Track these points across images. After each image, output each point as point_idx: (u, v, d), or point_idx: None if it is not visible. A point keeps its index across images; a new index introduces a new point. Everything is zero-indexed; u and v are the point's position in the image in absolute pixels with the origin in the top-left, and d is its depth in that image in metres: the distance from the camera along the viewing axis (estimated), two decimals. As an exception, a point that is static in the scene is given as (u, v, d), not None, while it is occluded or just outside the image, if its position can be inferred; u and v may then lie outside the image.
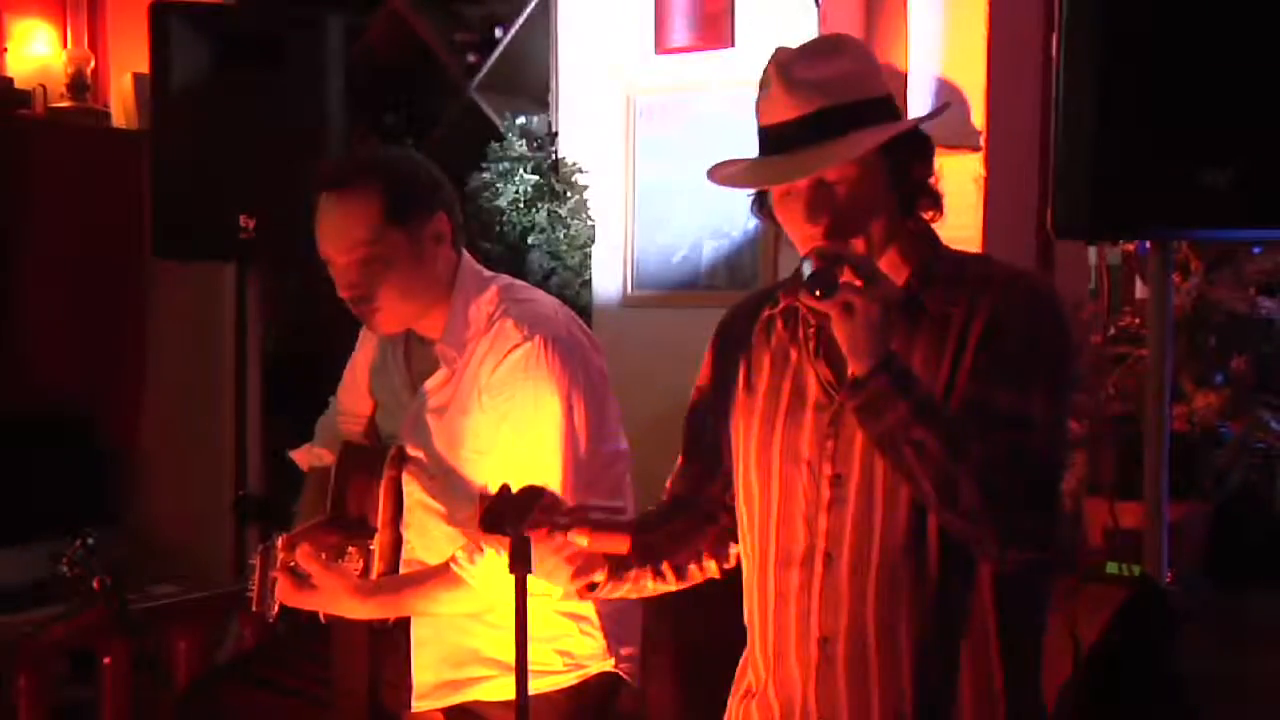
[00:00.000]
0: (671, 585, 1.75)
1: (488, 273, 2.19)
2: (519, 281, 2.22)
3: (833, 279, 1.45)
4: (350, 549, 2.11)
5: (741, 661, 1.74)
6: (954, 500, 1.48)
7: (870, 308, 1.45)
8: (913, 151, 1.61)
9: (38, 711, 2.61)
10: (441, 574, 2.07)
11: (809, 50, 1.62)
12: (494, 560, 2.01)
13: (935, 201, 1.64)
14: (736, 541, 1.75)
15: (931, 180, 1.64)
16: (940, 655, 1.57)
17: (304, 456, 2.38)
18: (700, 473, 1.79)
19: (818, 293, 1.46)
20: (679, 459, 1.83)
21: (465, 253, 2.18)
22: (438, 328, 2.13)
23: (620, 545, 1.62)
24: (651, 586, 1.73)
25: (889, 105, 1.61)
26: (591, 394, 2.07)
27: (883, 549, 1.56)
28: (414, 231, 2.07)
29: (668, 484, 1.84)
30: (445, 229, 2.12)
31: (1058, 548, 1.61)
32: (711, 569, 1.77)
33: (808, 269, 1.48)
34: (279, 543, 2.11)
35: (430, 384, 2.14)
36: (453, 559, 2.06)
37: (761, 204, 1.67)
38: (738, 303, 1.81)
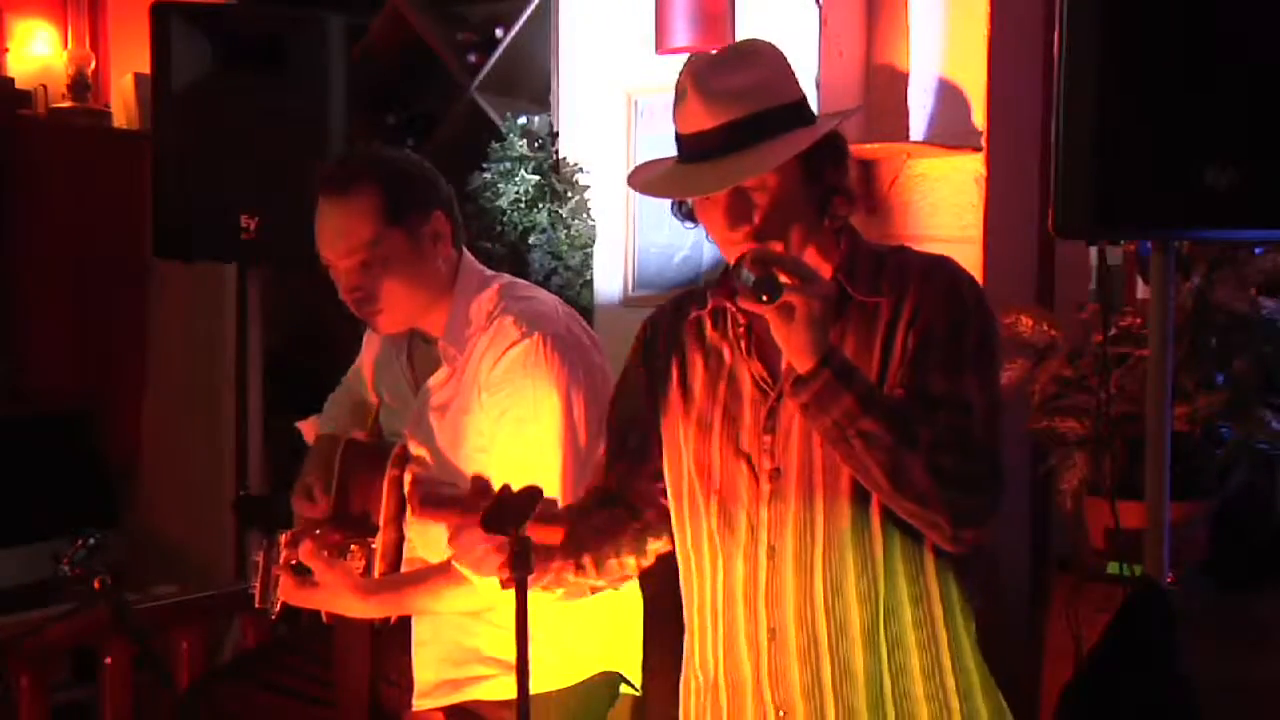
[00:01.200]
0: (590, 578, 1.76)
1: (489, 271, 2.20)
2: (520, 280, 2.23)
3: (775, 283, 1.48)
4: (353, 547, 2.11)
5: (686, 655, 1.76)
6: (906, 485, 1.52)
7: (810, 305, 1.48)
8: (827, 155, 1.64)
9: (38, 711, 2.61)
10: (444, 571, 2.06)
11: (722, 58, 1.65)
12: None
13: (851, 200, 1.68)
14: (657, 538, 1.79)
15: (848, 181, 1.68)
16: (888, 638, 1.61)
17: (311, 429, 2.38)
18: (626, 470, 1.80)
19: (764, 298, 1.48)
20: (602, 454, 1.86)
21: (466, 251, 2.18)
22: (439, 326, 2.13)
23: (554, 536, 1.63)
24: (571, 579, 1.73)
25: (802, 110, 1.65)
26: (591, 391, 2.07)
27: (826, 540, 1.61)
28: (413, 231, 2.08)
29: (592, 481, 1.86)
30: (444, 228, 2.12)
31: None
32: (630, 565, 1.79)
33: (743, 275, 1.50)
34: (282, 540, 2.11)
35: (432, 382, 2.15)
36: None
37: (682, 206, 1.71)
38: (661, 305, 1.85)
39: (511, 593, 1.56)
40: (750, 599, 1.64)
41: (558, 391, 2.04)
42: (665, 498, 1.76)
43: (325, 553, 2.08)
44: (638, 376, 1.80)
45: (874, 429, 1.50)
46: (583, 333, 2.17)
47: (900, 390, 1.58)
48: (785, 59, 1.69)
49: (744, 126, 1.59)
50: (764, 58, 1.66)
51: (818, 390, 1.50)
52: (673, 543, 1.77)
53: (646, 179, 1.70)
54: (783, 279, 1.48)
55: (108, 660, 2.70)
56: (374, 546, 2.12)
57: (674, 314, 1.80)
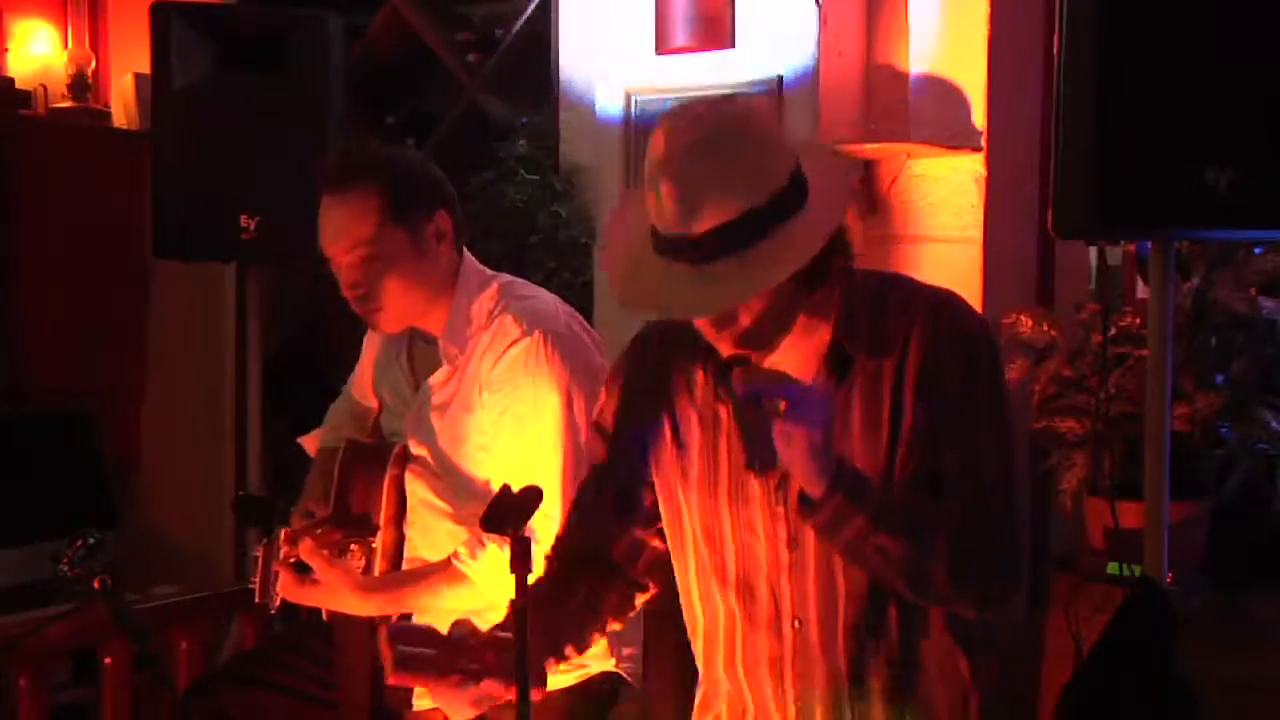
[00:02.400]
0: (572, 660, 1.66)
1: (489, 271, 2.20)
2: (520, 280, 2.23)
3: (764, 420, 1.39)
4: (353, 547, 2.12)
5: (702, 705, 1.71)
6: (927, 587, 1.50)
7: (811, 437, 1.41)
8: (826, 250, 1.46)
9: (38, 711, 2.61)
10: (444, 569, 2.07)
11: (699, 140, 1.41)
12: (496, 556, 2.02)
13: (849, 254, 1.55)
14: (644, 592, 1.72)
15: (846, 236, 1.54)
16: (912, 695, 1.59)
17: (313, 443, 2.39)
18: (606, 523, 1.70)
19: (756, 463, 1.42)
20: (570, 509, 1.74)
21: (466, 251, 2.18)
22: (440, 325, 2.14)
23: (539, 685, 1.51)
24: (549, 675, 1.59)
25: (796, 188, 1.45)
26: (592, 390, 2.06)
27: (848, 608, 1.57)
28: (415, 230, 2.08)
29: (557, 539, 1.73)
30: (446, 227, 2.12)
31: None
32: (616, 627, 1.73)
33: (739, 392, 1.42)
34: (281, 536, 2.11)
35: (433, 380, 2.15)
36: (455, 554, 2.07)
37: None
38: (638, 347, 1.72)
39: (511, 589, 1.56)
40: (776, 668, 1.60)
41: (558, 390, 2.04)
42: (656, 542, 1.70)
43: (325, 551, 2.08)
44: (616, 424, 1.69)
45: (888, 544, 1.46)
46: (584, 332, 2.17)
47: (913, 465, 1.52)
48: (769, 118, 1.54)
49: (732, 232, 1.40)
50: (747, 133, 1.44)
51: (829, 516, 1.46)
52: (659, 587, 1.72)
53: (626, 283, 1.50)
54: (780, 406, 1.39)
55: (108, 660, 2.71)
56: (374, 546, 2.13)
57: (658, 360, 1.67)
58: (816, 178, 1.48)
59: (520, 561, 1.56)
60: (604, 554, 1.71)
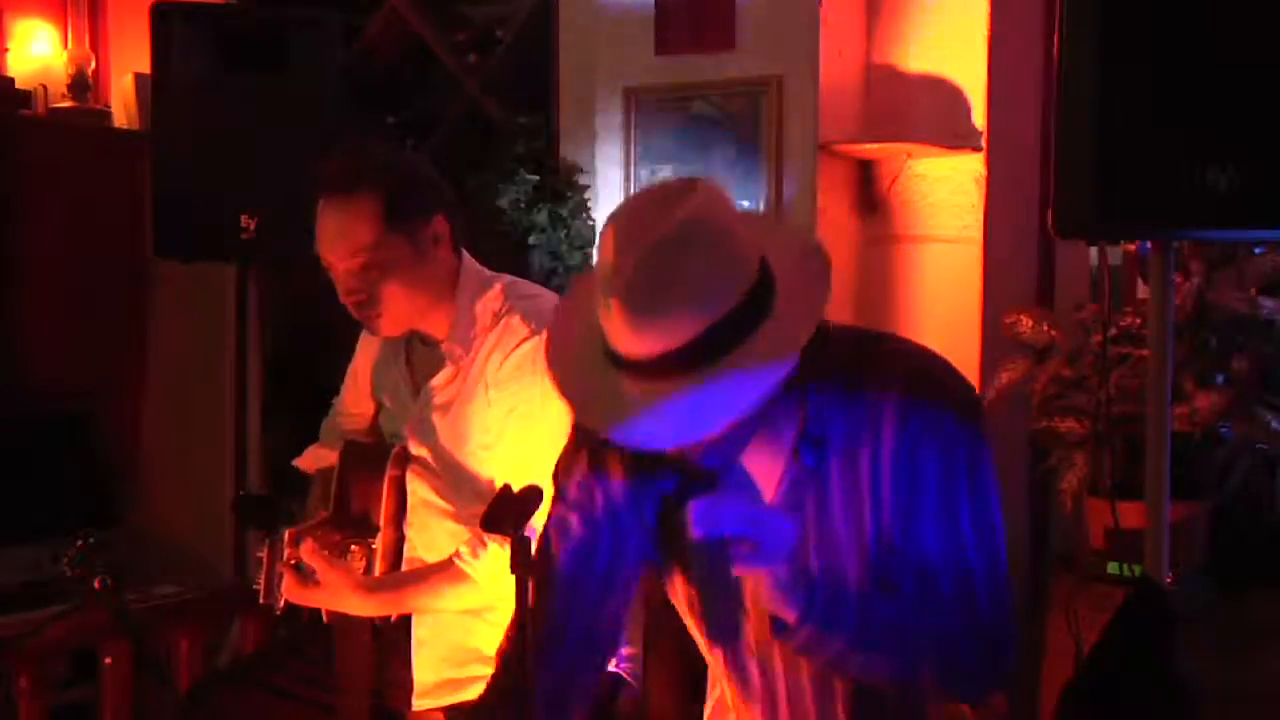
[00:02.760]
0: None
1: (489, 272, 2.20)
2: (522, 280, 2.23)
3: (717, 557, 1.27)
4: (353, 548, 2.12)
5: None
6: (913, 688, 1.46)
7: (775, 574, 1.31)
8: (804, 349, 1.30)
9: (37, 711, 2.62)
10: (445, 569, 2.07)
11: (653, 257, 1.27)
12: (498, 555, 2.02)
13: (825, 338, 1.36)
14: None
15: (825, 328, 1.37)
16: None
17: (309, 461, 2.38)
18: (576, 651, 1.54)
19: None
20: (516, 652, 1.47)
21: (465, 253, 2.18)
22: (440, 327, 2.13)
23: None
24: None
25: (763, 292, 1.30)
26: None
27: (844, 685, 1.49)
28: (414, 235, 2.08)
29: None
30: (444, 230, 2.12)
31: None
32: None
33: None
34: (285, 537, 2.11)
35: (435, 382, 2.15)
36: (457, 554, 2.06)
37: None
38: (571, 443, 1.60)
39: (512, 588, 1.56)
40: None
41: None
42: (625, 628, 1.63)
43: (326, 552, 2.08)
44: (587, 520, 1.55)
45: (870, 659, 1.40)
46: None
47: (899, 569, 1.42)
48: (728, 213, 1.34)
49: (689, 353, 1.26)
50: (703, 238, 1.28)
51: (803, 642, 1.37)
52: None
53: (578, 398, 1.39)
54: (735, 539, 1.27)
55: (108, 660, 2.71)
56: (374, 546, 2.13)
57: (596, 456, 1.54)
58: (785, 274, 1.34)
59: (520, 561, 1.55)
60: (579, 689, 1.59)
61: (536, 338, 2.05)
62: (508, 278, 2.21)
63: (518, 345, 2.07)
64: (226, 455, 3.49)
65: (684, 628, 1.72)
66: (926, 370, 1.46)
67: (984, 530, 1.43)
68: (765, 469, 1.46)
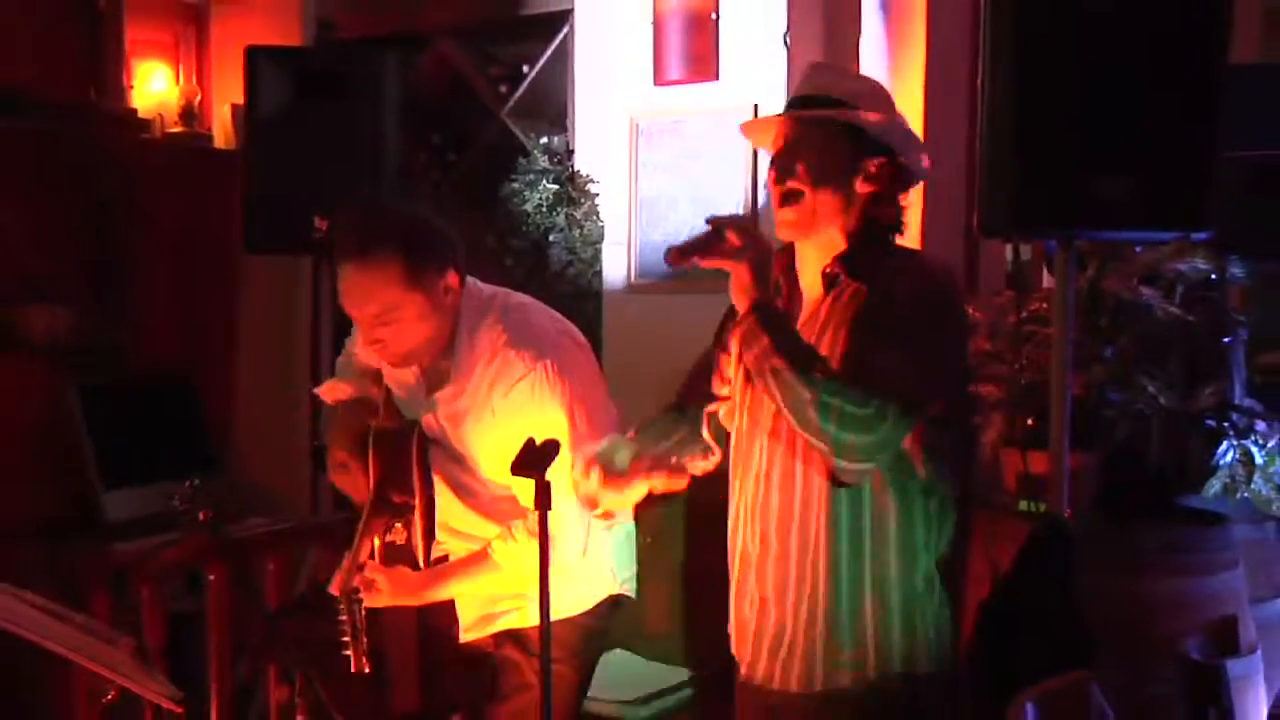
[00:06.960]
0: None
1: (485, 290, 2.06)
2: (514, 295, 2.09)
3: (700, 243, 1.57)
4: (396, 524, 2.07)
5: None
6: (803, 419, 1.52)
7: (739, 268, 1.56)
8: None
9: (156, 617, 2.66)
10: (481, 560, 2.05)
11: None
12: (522, 547, 2.00)
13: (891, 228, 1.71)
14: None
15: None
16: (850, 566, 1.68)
17: (326, 392, 2.26)
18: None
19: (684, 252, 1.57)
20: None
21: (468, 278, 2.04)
22: (444, 350, 2.03)
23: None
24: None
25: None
26: (590, 397, 2.01)
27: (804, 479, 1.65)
28: (431, 289, 1.96)
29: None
30: (454, 282, 1.99)
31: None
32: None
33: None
34: (364, 549, 2.06)
35: (441, 395, 2.05)
36: (489, 545, 2.05)
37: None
38: None
39: (530, 575, 1.60)
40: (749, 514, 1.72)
41: (564, 410, 1.96)
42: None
43: (375, 526, 2.03)
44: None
45: (781, 367, 1.52)
46: (572, 343, 2.07)
47: (847, 354, 1.58)
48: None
49: None
50: None
51: (746, 329, 1.56)
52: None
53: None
54: (730, 238, 1.55)
55: (211, 578, 2.74)
56: (412, 518, 2.05)
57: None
58: None
59: (543, 499, 1.60)
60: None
61: (534, 372, 1.95)
62: (501, 298, 2.06)
63: (519, 380, 1.96)
64: (303, 413, 3.51)
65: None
66: (936, 269, 1.72)
67: (926, 362, 1.57)
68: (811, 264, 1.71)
